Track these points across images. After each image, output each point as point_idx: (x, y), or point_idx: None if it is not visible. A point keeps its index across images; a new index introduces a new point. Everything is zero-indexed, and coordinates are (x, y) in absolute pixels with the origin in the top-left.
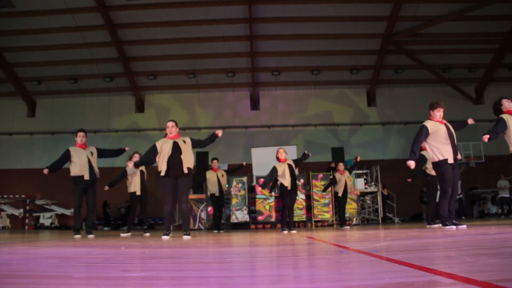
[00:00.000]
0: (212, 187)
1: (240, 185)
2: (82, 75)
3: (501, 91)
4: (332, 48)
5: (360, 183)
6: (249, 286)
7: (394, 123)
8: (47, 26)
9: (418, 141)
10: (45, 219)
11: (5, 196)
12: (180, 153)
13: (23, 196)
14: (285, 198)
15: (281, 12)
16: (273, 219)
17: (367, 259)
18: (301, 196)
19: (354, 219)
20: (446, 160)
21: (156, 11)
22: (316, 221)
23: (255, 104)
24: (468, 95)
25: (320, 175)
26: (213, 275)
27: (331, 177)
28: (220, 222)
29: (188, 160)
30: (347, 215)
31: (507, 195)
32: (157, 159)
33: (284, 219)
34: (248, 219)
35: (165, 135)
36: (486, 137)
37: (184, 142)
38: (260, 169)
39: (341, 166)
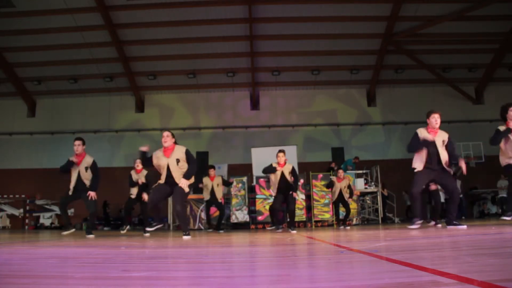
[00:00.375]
0: (206, 194)
1: (240, 185)
2: (82, 75)
3: (501, 91)
4: (332, 48)
5: (360, 183)
6: (249, 286)
7: (394, 123)
8: (47, 26)
9: (411, 146)
10: (45, 219)
11: (5, 196)
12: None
13: (23, 196)
14: (274, 200)
15: (281, 12)
16: None
17: (367, 259)
18: (301, 196)
19: (354, 219)
20: (415, 168)
21: (156, 11)
22: (316, 221)
23: (255, 104)
24: (468, 95)
25: (320, 175)
26: (213, 275)
27: (331, 177)
28: (221, 223)
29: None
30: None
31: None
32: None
33: (273, 218)
34: (248, 219)
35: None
36: (463, 165)
37: (178, 161)
38: (260, 169)
39: (340, 173)
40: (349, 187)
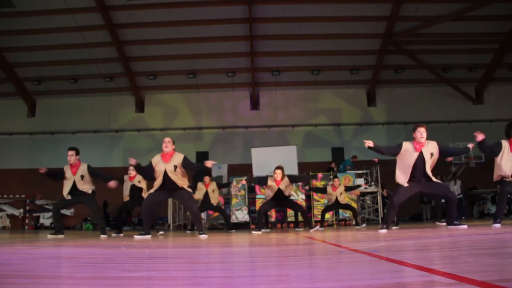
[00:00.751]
0: (198, 197)
1: (240, 185)
2: (82, 75)
3: (501, 91)
4: (332, 48)
5: (359, 183)
6: (249, 286)
7: (394, 123)
8: (47, 26)
9: (388, 149)
10: (45, 219)
11: (5, 196)
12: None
13: (23, 196)
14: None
15: (281, 12)
16: (273, 219)
17: (367, 259)
18: (301, 196)
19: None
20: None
21: (156, 11)
22: (316, 221)
23: (255, 104)
24: (468, 95)
25: (320, 175)
26: (213, 275)
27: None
28: (230, 222)
29: (180, 183)
30: (346, 215)
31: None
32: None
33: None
34: (248, 219)
35: (161, 152)
36: (471, 146)
37: (175, 167)
38: (260, 169)
39: (336, 182)
40: (346, 189)
